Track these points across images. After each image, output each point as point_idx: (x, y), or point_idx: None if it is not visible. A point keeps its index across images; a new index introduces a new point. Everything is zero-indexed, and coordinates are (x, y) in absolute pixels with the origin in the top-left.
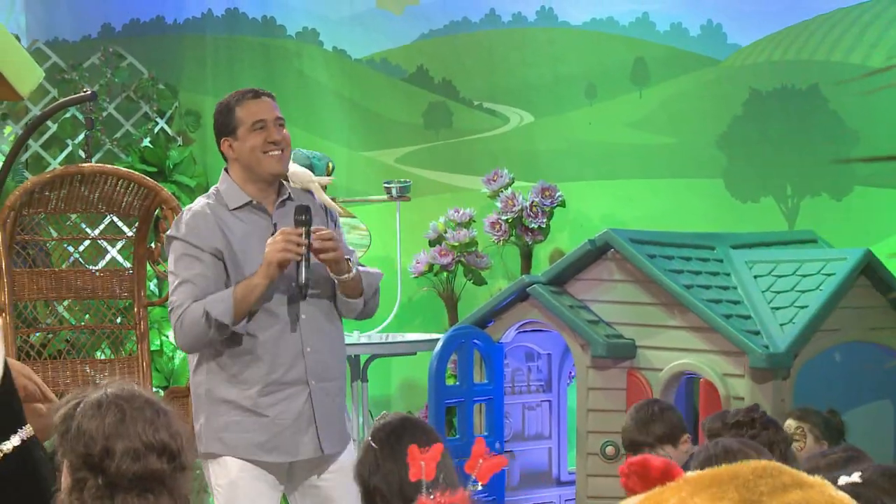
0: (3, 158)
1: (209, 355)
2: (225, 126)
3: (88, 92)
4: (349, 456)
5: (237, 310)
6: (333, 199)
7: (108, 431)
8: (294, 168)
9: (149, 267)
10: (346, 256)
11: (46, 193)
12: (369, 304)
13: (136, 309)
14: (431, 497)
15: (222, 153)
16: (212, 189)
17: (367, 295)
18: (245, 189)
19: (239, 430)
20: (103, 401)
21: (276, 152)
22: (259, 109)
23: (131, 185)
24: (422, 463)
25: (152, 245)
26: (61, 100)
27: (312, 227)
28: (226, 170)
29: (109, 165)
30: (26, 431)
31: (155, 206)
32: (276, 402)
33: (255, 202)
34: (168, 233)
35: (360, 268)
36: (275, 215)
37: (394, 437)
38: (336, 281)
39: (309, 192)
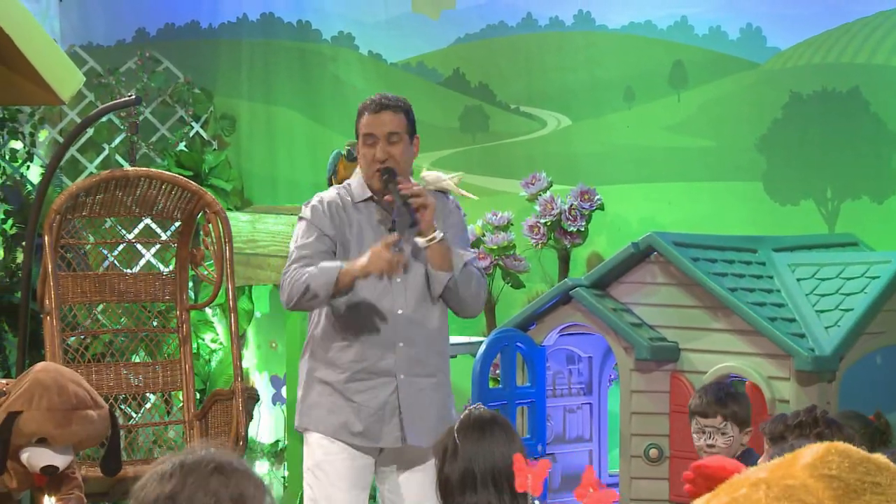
0: (40, 162)
1: (315, 340)
2: (355, 128)
3: (133, 96)
4: None
5: (334, 288)
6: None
7: None
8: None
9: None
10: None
11: (87, 198)
12: (466, 288)
13: (178, 312)
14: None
15: None
16: (347, 181)
17: (456, 272)
18: (368, 184)
19: (326, 409)
20: (167, 471)
21: None
22: (373, 123)
23: (174, 189)
24: (528, 476)
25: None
26: (106, 104)
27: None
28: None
29: (154, 169)
30: None
31: (198, 210)
32: (363, 389)
33: (376, 198)
34: (299, 214)
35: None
36: (395, 212)
37: (477, 433)
38: (427, 246)
39: (442, 191)
